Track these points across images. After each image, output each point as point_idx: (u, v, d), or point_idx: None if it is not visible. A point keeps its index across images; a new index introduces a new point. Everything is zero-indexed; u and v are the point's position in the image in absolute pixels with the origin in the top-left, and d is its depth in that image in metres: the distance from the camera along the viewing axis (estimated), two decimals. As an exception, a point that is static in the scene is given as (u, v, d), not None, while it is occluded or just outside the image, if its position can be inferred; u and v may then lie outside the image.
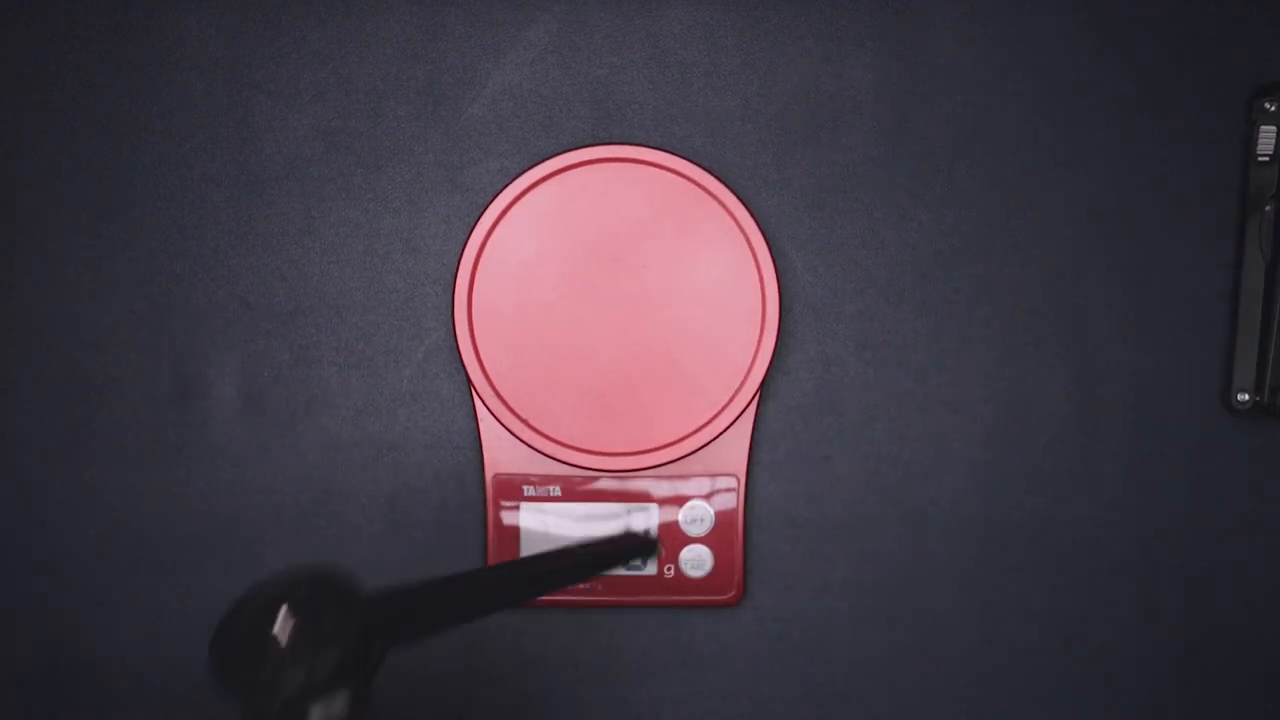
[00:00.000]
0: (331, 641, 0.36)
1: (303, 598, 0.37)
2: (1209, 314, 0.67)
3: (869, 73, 0.66)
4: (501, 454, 0.65)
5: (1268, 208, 0.66)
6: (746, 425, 0.65)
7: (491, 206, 0.64)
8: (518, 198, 0.64)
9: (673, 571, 0.66)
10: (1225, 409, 0.67)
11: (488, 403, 0.64)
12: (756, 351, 0.64)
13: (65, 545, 0.66)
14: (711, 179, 0.64)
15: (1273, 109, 0.65)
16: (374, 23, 0.66)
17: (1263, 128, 0.65)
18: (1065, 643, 0.67)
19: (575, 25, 0.66)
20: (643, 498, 0.66)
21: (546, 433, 0.64)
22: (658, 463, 0.64)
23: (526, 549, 0.65)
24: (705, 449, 0.65)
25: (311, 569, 0.38)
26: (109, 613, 0.66)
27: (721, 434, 0.64)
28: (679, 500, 0.66)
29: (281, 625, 0.35)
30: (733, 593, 0.66)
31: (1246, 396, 0.66)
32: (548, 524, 0.65)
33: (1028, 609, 0.67)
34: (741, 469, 0.66)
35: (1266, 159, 0.65)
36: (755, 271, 0.64)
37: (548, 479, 0.65)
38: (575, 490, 0.65)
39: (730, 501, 0.66)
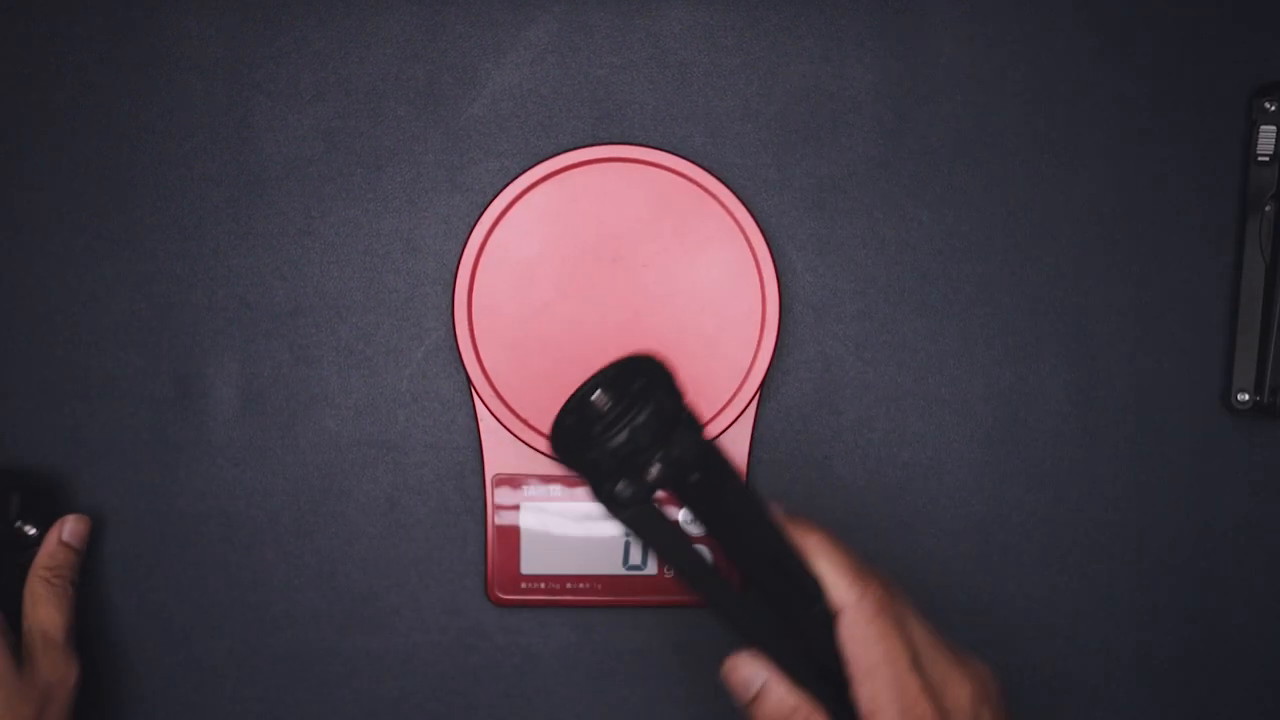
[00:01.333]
0: (644, 397, 0.40)
1: (612, 374, 0.41)
2: (1209, 314, 0.67)
3: (869, 73, 0.66)
4: (501, 454, 0.65)
5: (1268, 208, 0.66)
6: (746, 425, 0.65)
7: (491, 206, 0.64)
8: (518, 198, 0.64)
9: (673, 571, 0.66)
10: (1225, 409, 0.67)
11: (488, 403, 0.64)
12: (756, 351, 0.64)
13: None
14: (711, 179, 0.64)
15: (1273, 109, 0.65)
16: (374, 23, 0.66)
17: (1263, 128, 0.65)
18: (1065, 643, 0.67)
19: (575, 25, 0.66)
20: (643, 498, 0.65)
21: (546, 433, 0.64)
22: (658, 463, 0.64)
23: (526, 549, 0.65)
24: (705, 449, 0.65)
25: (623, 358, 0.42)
26: (109, 612, 0.66)
27: (721, 434, 0.64)
28: (679, 500, 0.66)
29: (598, 398, 0.41)
30: (733, 593, 0.66)
31: (1246, 396, 0.66)
32: (548, 524, 0.65)
33: (1028, 609, 0.67)
34: (741, 469, 0.66)
35: (1266, 159, 0.65)
36: (755, 271, 0.64)
37: (548, 479, 0.65)
38: (575, 490, 0.65)
39: (730, 501, 0.66)
